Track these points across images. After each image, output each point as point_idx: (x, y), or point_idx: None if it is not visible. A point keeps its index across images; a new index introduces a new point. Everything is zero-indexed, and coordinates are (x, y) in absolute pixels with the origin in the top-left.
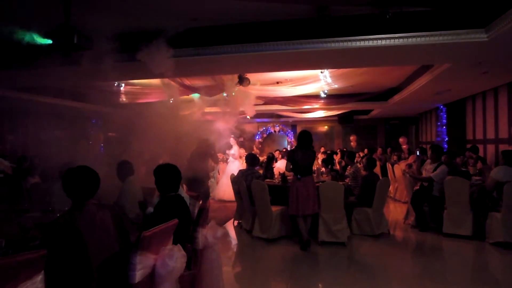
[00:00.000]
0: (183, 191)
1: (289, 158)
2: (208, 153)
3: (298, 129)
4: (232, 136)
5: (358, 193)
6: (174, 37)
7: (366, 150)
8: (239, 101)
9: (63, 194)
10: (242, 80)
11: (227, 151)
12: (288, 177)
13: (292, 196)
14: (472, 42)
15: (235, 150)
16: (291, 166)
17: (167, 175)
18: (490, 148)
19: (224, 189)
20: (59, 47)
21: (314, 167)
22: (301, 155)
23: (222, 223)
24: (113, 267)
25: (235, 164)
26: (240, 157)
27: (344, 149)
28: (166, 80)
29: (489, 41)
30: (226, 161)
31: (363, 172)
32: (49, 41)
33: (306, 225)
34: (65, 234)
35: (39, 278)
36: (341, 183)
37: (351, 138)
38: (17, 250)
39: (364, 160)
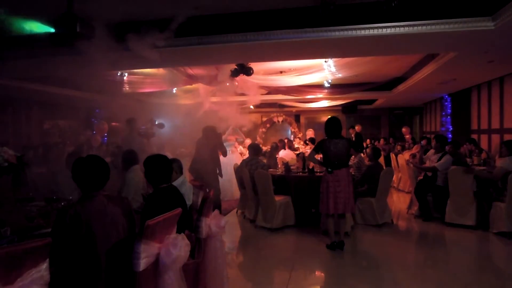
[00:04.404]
0: (187, 180)
1: (317, 148)
2: (216, 143)
3: (302, 119)
4: (232, 128)
5: (360, 179)
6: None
7: (368, 140)
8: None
9: (68, 183)
10: (246, 70)
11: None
12: (292, 167)
13: (322, 192)
14: (479, 30)
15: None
16: (315, 157)
17: (156, 166)
18: (495, 138)
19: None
20: (62, 36)
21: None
22: (331, 145)
23: (225, 212)
24: (119, 255)
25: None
26: (244, 147)
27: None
28: (169, 70)
29: (495, 30)
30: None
31: (367, 162)
32: (51, 30)
33: (340, 224)
34: (75, 227)
35: (44, 266)
36: None
37: (356, 128)
38: (22, 239)
39: (369, 150)
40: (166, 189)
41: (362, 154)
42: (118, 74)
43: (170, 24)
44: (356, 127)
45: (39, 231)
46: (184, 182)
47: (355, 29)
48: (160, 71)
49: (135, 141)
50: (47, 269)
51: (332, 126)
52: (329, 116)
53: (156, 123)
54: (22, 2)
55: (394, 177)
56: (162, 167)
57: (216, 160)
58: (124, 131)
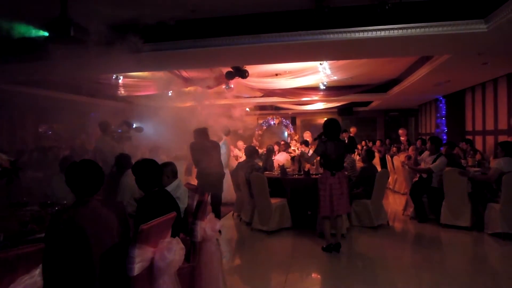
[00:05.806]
0: (182, 184)
1: (318, 151)
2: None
3: (298, 121)
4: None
5: (355, 181)
6: (172, 29)
7: (364, 142)
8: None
9: (62, 188)
10: (241, 73)
11: None
12: (288, 169)
13: (324, 195)
14: (472, 33)
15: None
16: (316, 159)
17: (145, 171)
18: (489, 139)
19: None
20: (55, 40)
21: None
22: (333, 148)
23: (222, 215)
24: (113, 260)
25: None
26: (239, 149)
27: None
28: (165, 73)
29: (488, 32)
30: None
31: (359, 164)
32: (45, 34)
33: (337, 226)
34: (69, 232)
35: (37, 271)
36: None
37: (351, 130)
38: (15, 244)
39: (363, 152)
40: (157, 193)
41: (357, 156)
42: (113, 77)
43: (166, 27)
44: (352, 129)
45: (33, 236)
46: (179, 186)
47: (349, 31)
48: (155, 74)
49: (106, 145)
50: (40, 274)
51: (332, 128)
52: (328, 118)
53: (134, 126)
54: (15, 6)
55: (390, 179)
56: (151, 171)
57: (219, 161)
58: (97, 135)
